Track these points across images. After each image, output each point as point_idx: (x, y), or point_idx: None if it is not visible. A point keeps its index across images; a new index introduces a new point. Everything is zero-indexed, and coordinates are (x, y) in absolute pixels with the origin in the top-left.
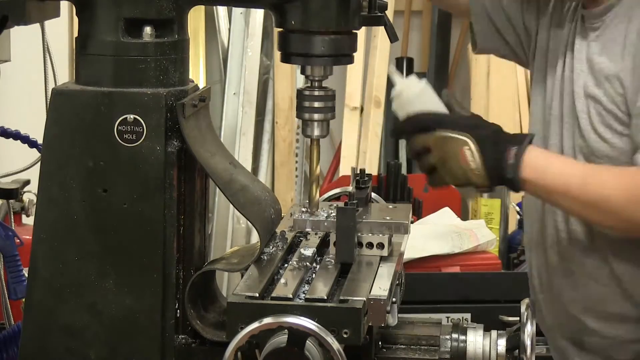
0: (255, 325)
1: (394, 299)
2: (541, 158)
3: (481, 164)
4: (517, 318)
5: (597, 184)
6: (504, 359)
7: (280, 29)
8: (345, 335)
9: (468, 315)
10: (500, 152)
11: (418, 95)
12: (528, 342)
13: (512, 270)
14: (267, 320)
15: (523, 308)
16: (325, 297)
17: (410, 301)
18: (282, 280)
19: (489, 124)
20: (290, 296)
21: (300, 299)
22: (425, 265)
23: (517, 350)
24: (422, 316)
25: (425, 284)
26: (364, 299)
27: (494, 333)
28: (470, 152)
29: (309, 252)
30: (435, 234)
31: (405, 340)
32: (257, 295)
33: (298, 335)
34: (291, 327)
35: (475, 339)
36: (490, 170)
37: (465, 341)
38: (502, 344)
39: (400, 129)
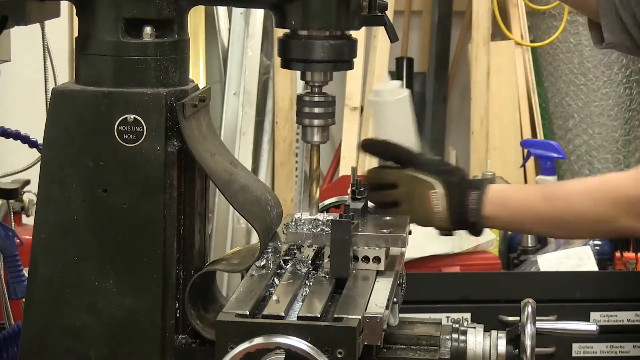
0: (245, 345)
1: (394, 299)
2: (499, 192)
3: (446, 209)
4: (517, 318)
5: (561, 197)
6: (503, 359)
7: (280, 35)
8: (339, 356)
9: (468, 315)
10: (464, 198)
11: (395, 104)
12: (528, 342)
13: (512, 270)
14: (258, 340)
15: (523, 308)
16: (319, 315)
17: (410, 301)
18: (274, 297)
19: (457, 170)
20: (282, 314)
21: (293, 317)
22: (425, 265)
23: (517, 350)
24: (422, 316)
25: (425, 284)
26: (360, 317)
27: (494, 333)
28: (437, 197)
29: (302, 266)
30: (435, 234)
31: (405, 340)
32: (248, 313)
33: (295, 353)
34: (282, 347)
35: (475, 339)
36: (453, 215)
37: (465, 341)
38: (502, 344)
39: (372, 148)
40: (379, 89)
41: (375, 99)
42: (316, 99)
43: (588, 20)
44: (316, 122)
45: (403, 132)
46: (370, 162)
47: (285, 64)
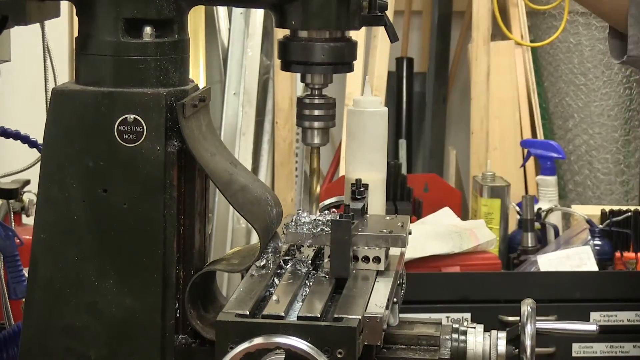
0: (245, 345)
1: (394, 299)
2: None
3: None
4: (517, 318)
5: None
6: (503, 359)
7: (280, 38)
8: (339, 355)
9: (468, 315)
10: None
11: (372, 115)
12: (528, 342)
13: (512, 270)
14: (258, 340)
15: (523, 308)
16: (319, 315)
17: (410, 301)
18: (274, 297)
19: None
20: (282, 314)
21: (293, 317)
22: (425, 265)
23: (517, 350)
24: (422, 316)
25: (425, 284)
26: (359, 317)
27: (494, 333)
28: None
29: (302, 266)
30: (435, 234)
31: (405, 340)
32: (248, 313)
33: (295, 353)
34: (282, 347)
35: (475, 339)
36: None
37: (465, 341)
38: (502, 344)
39: None
40: (358, 99)
41: (353, 108)
42: (316, 101)
43: (609, 29)
44: (316, 124)
45: (375, 144)
46: None
47: (285, 67)
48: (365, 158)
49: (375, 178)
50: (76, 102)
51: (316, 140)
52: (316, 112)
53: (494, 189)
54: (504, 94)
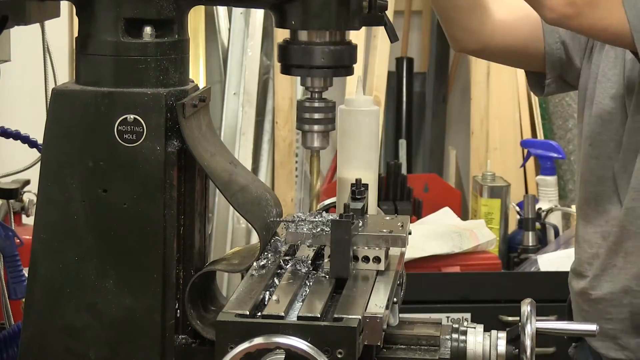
0: (245, 345)
1: (394, 299)
2: None
3: None
4: (517, 318)
5: None
6: (503, 359)
7: (280, 41)
8: (339, 355)
9: (468, 315)
10: None
11: (363, 115)
12: (528, 342)
13: (512, 270)
14: (258, 340)
15: (523, 308)
16: (319, 315)
17: (410, 301)
18: (274, 297)
19: None
20: (282, 314)
21: (293, 317)
22: (425, 265)
23: (517, 350)
24: (422, 316)
25: (425, 284)
26: (359, 317)
27: (494, 333)
28: None
29: (302, 266)
30: (435, 234)
31: (405, 340)
32: (248, 313)
33: (295, 353)
34: (282, 347)
35: (475, 339)
36: None
37: (465, 341)
38: (502, 344)
39: None
40: (350, 98)
41: (345, 107)
42: (316, 104)
43: (527, 73)
44: (316, 127)
45: (367, 143)
46: None
47: (285, 70)
48: (357, 157)
49: (367, 177)
50: (76, 102)
51: (316, 144)
52: (316, 116)
53: (494, 189)
54: (504, 94)
